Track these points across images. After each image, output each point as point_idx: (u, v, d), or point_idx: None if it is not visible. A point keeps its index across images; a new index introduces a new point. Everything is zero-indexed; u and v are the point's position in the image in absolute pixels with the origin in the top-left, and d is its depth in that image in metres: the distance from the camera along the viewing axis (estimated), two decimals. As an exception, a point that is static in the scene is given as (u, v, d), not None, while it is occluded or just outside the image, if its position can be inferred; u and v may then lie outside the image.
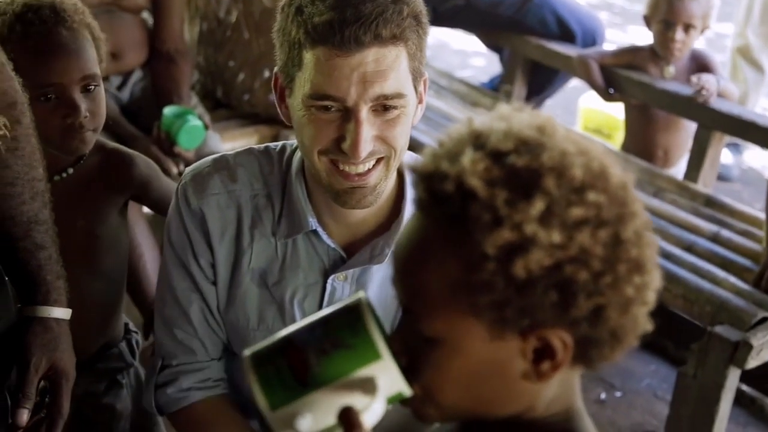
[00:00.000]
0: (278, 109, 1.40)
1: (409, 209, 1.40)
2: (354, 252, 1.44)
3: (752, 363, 2.31)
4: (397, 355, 0.87)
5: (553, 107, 4.63)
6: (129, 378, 1.82)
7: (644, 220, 0.83)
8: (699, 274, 2.55)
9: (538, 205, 0.77)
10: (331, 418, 0.84)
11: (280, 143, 1.51)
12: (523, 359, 0.82)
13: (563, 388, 0.88)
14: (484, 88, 4.03)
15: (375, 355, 0.84)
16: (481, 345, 0.82)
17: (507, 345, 0.82)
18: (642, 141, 3.38)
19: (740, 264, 2.63)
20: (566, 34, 3.68)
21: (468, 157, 0.79)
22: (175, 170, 2.48)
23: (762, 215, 2.75)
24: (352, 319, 0.86)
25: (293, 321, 1.45)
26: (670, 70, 3.27)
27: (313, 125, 1.30)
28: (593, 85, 3.42)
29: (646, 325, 0.85)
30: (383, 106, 1.29)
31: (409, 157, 1.43)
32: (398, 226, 1.42)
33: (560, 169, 0.79)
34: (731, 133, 3.23)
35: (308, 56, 1.27)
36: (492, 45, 4.22)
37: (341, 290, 1.45)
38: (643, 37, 3.47)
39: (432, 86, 3.71)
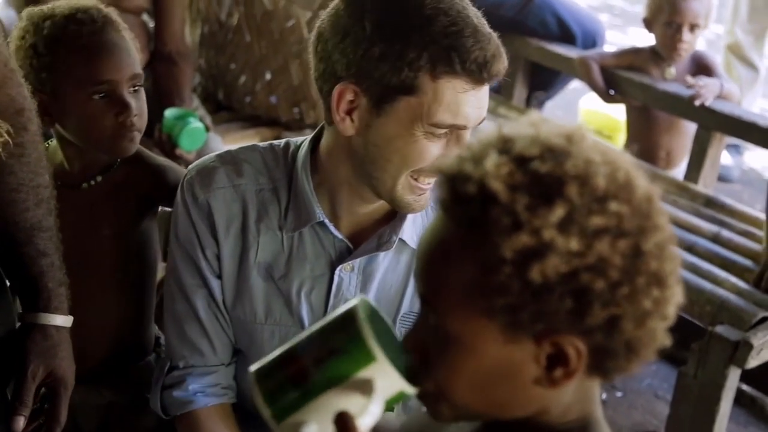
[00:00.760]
0: (339, 123, 1.34)
1: None
2: (360, 242, 1.45)
3: (752, 363, 2.31)
4: (410, 352, 0.88)
5: (553, 108, 4.63)
6: None
7: (668, 234, 0.83)
8: (699, 275, 2.56)
9: (558, 212, 0.78)
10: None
11: (282, 140, 1.52)
12: (536, 364, 0.82)
13: (580, 395, 0.88)
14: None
15: (370, 358, 0.85)
16: (494, 347, 0.82)
17: (521, 349, 0.82)
18: (644, 142, 3.38)
19: (741, 264, 2.63)
20: (567, 36, 3.69)
21: (492, 161, 0.80)
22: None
23: (762, 216, 2.76)
24: (347, 324, 0.87)
25: (300, 314, 1.47)
26: (671, 71, 3.28)
27: (424, 148, 1.31)
28: (594, 87, 3.43)
29: (665, 340, 0.84)
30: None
31: None
32: (403, 214, 1.43)
33: (584, 177, 0.79)
34: (731, 134, 3.23)
35: (431, 84, 1.27)
36: None
37: (348, 281, 1.46)
38: (644, 38, 3.48)
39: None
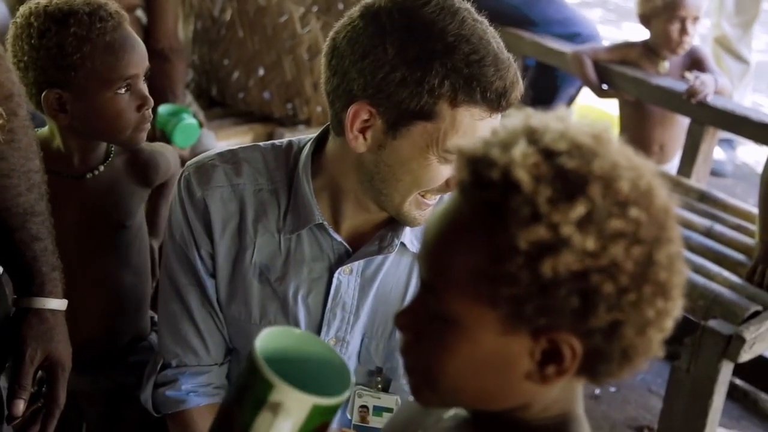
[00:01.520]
0: (352, 140, 1.33)
1: None
2: (359, 245, 1.45)
3: (745, 356, 2.32)
4: (402, 329, 0.89)
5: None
6: None
7: (679, 248, 0.83)
8: (692, 269, 2.56)
9: (579, 209, 0.77)
10: None
11: (285, 140, 1.51)
12: (530, 359, 0.83)
13: (564, 393, 0.89)
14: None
15: (270, 384, 0.88)
16: (492, 336, 0.82)
17: (517, 342, 0.82)
18: (638, 137, 3.38)
19: (733, 258, 2.64)
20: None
21: (520, 150, 0.80)
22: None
23: (755, 210, 2.77)
24: (249, 363, 0.92)
25: (296, 317, 1.47)
26: (666, 65, 3.29)
27: (436, 171, 1.33)
28: (587, 82, 3.43)
29: (659, 351, 0.85)
30: None
31: None
32: None
33: (608, 179, 0.79)
34: (724, 128, 3.24)
35: (449, 111, 1.27)
36: None
37: (347, 283, 1.46)
38: (638, 33, 3.48)
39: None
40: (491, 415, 0.89)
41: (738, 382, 2.87)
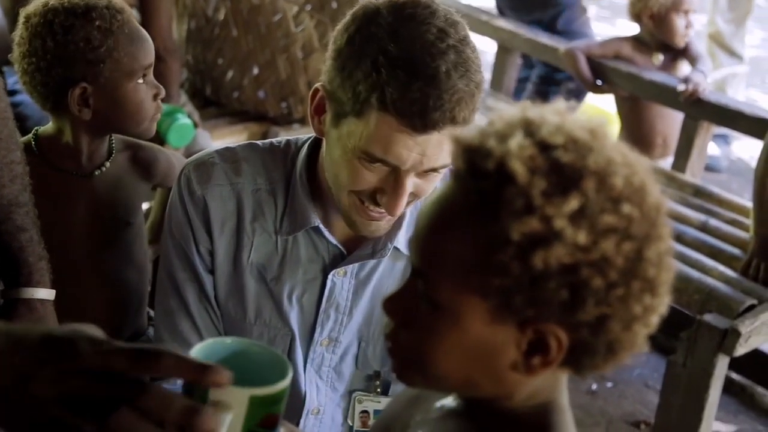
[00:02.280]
0: (310, 120, 1.38)
1: (410, 207, 1.41)
2: (354, 248, 1.45)
3: (740, 350, 2.33)
4: (390, 314, 0.89)
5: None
6: None
7: (669, 245, 0.84)
8: (687, 263, 2.57)
9: (572, 203, 0.78)
10: None
11: (283, 140, 1.51)
12: (516, 349, 0.83)
13: (548, 382, 0.89)
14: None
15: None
16: (479, 325, 0.83)
17: (504, 331, 0.82)
18: (639, 131, 3.41)
19: (728, 252, 2.65)
20: None
21: (516, 141, 0.80)
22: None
23: (749, 204, 2.77)
24: None
25: (290, 317, 1.47)
26: (660, 56, 3.34)
27: (354, 172, 1.30)
28: (581, 78, 3.44)
29: (643, 346, 0.85)
30: (428, 172, 1.31)
31: None
32: (400, 221, 1.44)
33: (603, 174, 0.80)
34: (718, 123, 3.25)
35: (374, 115, 1.25)
36: None
37: (341, 285, 1.46)
38: (632, 29, 3.49)
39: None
40: (476, 404, 0.90)
41: (735, 376, 2.88)
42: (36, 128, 1.69)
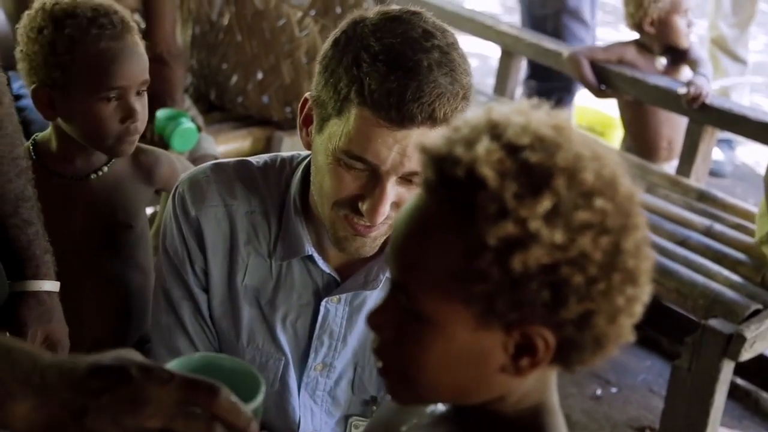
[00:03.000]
0: (299, 132, 1.38)
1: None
2: (348, 274, 1.44)
3: (746, 355, 2.32)
4: (375, 330, 0.89)
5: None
6: None
7: (645, 234, 0.84)
8: (692, 268, 2.56)
9: (545, 203, 0.78)
10: None
11: (278, 158, 1.49)
12: (504, 353, 0.83)
13: (538, 383, 0.89)
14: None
15: None
16: (465, 332, 0.82)
17: (491, 336, 0.82)
18: (644, 136, 3.41)
19: (733, 257, 2.64)
20: None
21: (483, 146, 0.80)
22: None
23: (754, 209, 2.77)
24: None
25: (282, 342, 1.45)
26: (662, 60, 3.35)
27: (336, 177, 1.28)
28: (585, 83, 3.44)
29: (629, 337, 0.85)
30: (410, 179, 1.27)
31: None
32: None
33: (572, 171, 0.79)
34: (722, 128, 3.25)
35: (354, 111, 1.23)
36: None
37: (335, 312, 1.44)
38: (634, 34, 3.49)
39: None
40: (468, 409, 0.90)
41: (740, 381, 2.87)
42: (35, 134, 1.71)
